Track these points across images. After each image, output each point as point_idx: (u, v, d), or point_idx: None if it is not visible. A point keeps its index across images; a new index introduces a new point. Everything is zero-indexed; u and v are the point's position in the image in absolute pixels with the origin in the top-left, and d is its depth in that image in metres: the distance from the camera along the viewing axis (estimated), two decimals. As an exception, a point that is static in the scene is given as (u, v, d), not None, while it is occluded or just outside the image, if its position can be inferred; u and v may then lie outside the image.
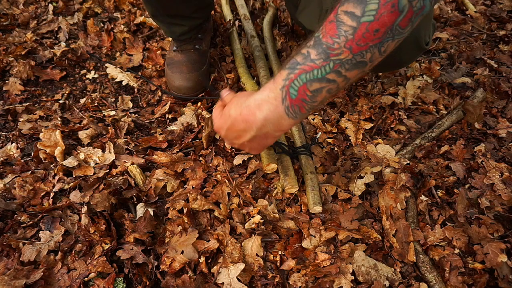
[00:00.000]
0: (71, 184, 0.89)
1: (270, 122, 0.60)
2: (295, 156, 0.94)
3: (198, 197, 0.86)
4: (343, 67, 0.52)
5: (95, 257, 0.76)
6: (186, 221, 0.82)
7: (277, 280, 0.74)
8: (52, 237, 0.80)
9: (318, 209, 0.82)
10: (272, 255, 0.79)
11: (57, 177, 0.91)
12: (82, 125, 1.05)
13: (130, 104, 1.16)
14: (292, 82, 0.55)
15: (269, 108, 0.58)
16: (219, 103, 0.73)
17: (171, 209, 0.85)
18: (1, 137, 1.03)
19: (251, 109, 0.60)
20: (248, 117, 0.61)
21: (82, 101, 1.15)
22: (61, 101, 1.15)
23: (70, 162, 0.93)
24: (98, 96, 1.17)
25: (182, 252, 0.76)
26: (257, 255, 0.77)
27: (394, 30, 0.49)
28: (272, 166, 0.88)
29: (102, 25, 1.44)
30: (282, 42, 1.33)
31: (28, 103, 1.12)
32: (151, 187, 0.90)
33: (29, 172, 0.93)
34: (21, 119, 1.06)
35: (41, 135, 0.97)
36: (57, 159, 0.94)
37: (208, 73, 1.19)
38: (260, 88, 0.62)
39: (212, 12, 1.37)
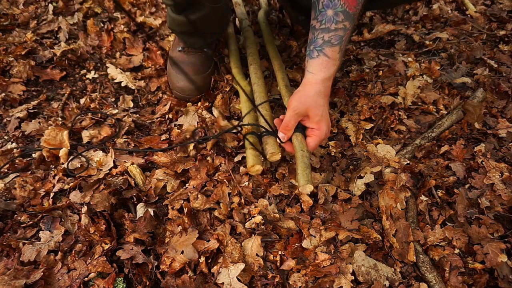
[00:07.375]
0: (71, 184, 0.89)
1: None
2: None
3: (199, 196, 0.86)
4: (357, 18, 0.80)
5: (95, 257, 0.76)
6: (186, 221, 0.82)
7: (277, 280, 0.74)
8: (52, 237, 0.80)
9: (309, 188, 0.74)
10: (272, 255, 0.79)
11: (57, 177, 0.91)
12: (83, 125, 1.05)
13: (131, 104, 1.16)
14: (341, 49, 0.79)
15: (334, 69, 0.81)
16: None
17: (171, 209, 0.85)
18: (1, 137, 1.03)
19: (329, 88, 0.81)
20: (328, 90, 0.82)
21: (82, 101, 1.15)
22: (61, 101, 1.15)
23: (72, 164, 0.93)
24: (98, 96, 1.17)
25: (182, 252, 0.76)
26: (257, 255, 0.77)
27: None
28: (257, 168, 0.83)
29: (102, 25, 1.44)
30: (282, 42, 1.33)
31: (28, 103, 1.12)
32: (151, 187, 0.90)
33: (29, 172, 0.93)
34: (22, 120, 1.06)
35: (46, 133, 0.97)
36: (62, 160, 0.94)
37: (211, 76, 1.18)
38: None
39: None
